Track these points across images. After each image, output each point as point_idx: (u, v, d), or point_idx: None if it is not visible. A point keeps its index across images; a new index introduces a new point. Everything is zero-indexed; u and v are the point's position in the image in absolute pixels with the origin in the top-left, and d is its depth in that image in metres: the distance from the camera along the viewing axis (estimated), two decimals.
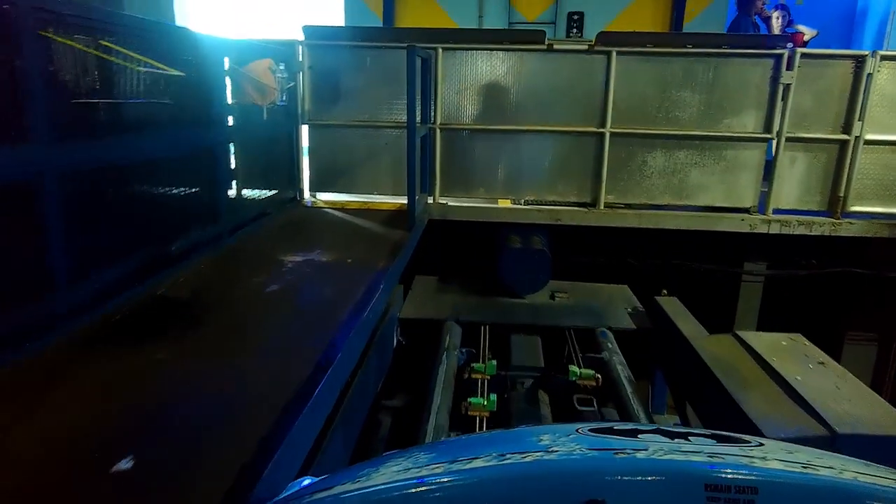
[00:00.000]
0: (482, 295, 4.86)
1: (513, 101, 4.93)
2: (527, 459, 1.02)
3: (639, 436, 1.10)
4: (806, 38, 6.03)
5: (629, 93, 4.83)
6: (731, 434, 1.15)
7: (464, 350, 3.96)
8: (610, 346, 3.98)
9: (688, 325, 3.88)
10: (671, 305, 4.40)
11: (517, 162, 5.03)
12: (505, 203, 5.13)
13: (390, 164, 5.03)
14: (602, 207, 4.99)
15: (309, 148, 5.12)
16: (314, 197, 5.19)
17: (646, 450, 1.02)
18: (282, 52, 4.75)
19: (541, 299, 4.82)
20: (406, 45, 3.89)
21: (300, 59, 4.89)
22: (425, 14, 6.42)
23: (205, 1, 8.44)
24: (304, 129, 5.10)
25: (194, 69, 3.07)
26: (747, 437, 1.12)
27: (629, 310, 4.68)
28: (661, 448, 1.02)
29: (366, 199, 5.16)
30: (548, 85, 4.88)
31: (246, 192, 4.40)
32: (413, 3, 6.52)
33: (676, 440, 1.07)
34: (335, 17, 7.04)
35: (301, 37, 4.87)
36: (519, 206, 5.07)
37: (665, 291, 4.64)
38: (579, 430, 1.15)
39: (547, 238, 5.09)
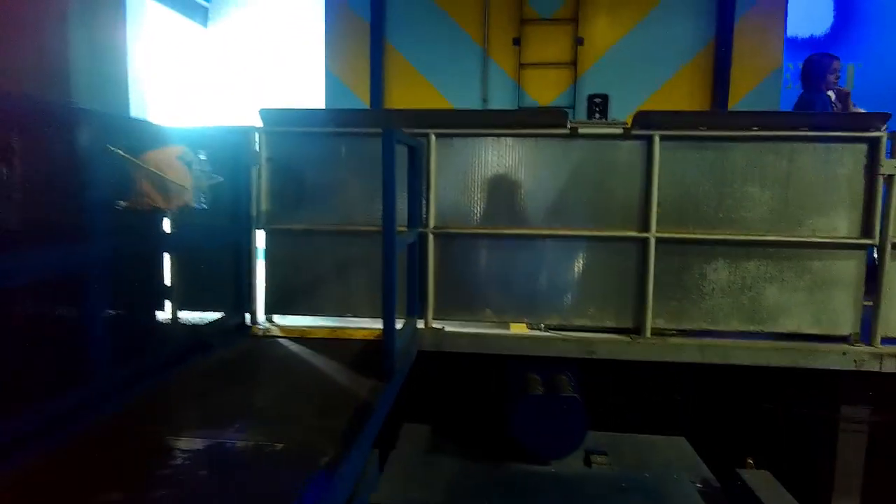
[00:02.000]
0: (491, 460, 3.53)
1: (527, 198, 3.83)
2: None
3: None
4: None
5: (678, 188, 3.73)
6: None
7: None
8: None
9: None
10: (764, 486, 3.05)
11: (534, 276, 3.86)
12: (519, 328, 3.91)
13: (368, 278, 3.87)
14: (649, 335, 3.74)
15: (266, 259, 3.99)
16: (270, 322, 3.99)
17: None
18: (232, 141, 3.75)
19: (573, 467, 3.48)
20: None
21: (257, 149, 3.87)
22: (420, 99, 5.52)
23: (168, 91, 7.68)
24: (261, 236, 4.01)
25: (39, 158, 1.99)
26: None
27: (698, 484, 3.32)
28: None
29: (338, 324, 3.96)
30: (572, 178, 3.79)
31: (162, 326, 3.26)
32: (406, 86, 5.63)
33: None
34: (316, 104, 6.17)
35: (258, 122, 3.88)
36: (538, 333, 3.83)
37: (751, 462, 3.30)
38: None
39: (577, 375, 3.82)
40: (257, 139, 3.87)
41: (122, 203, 2.36)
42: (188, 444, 2.22)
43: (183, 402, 2.68)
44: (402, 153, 3.58)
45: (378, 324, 3.49)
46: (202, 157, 2.66)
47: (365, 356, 3.40)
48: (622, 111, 5.30)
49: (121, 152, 2.29)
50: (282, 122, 3.86)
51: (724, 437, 4.02)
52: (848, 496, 4.00)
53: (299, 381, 3.05)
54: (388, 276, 2.89)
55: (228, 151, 3.74)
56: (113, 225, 2.41)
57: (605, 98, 5.13)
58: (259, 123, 3.88)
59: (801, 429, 3.96)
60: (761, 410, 4.01)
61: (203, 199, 2.66)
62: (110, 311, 2.69)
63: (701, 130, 3.66)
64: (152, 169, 2.35)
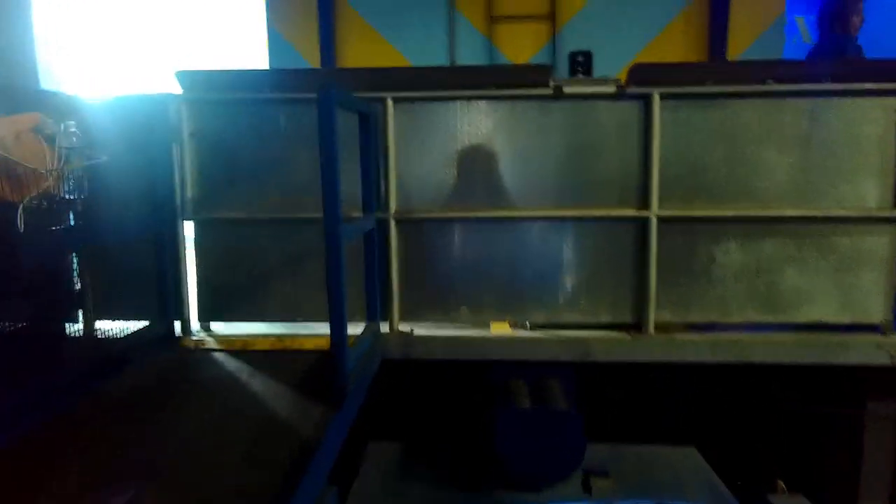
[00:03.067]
0: (472, 487, 2.98)
1: (505, 173, 3.23)
2: None
3: None
4: None
5: (682, 156, 3.16)
6: None
7: None
8: None
9: None
10: None
11: (517, 266, 3.28)
12: (501, 328, 3.33)
13: (321, 275, 3.20)
14: (652, 331, 3.20)
15: (196, 256, 3.34)
16: (206, 331, 3.35)
17: None
18: (143, 112, 3.07)
19: (569, 494, 2.94)
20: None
21: (178, 121, 3.19)
22: (378, 61, 4.82)
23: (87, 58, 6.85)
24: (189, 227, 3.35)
25: None
26: None
27: None
28: None
29: (287, 330, 3.34)
30: (558, 148, 3.20)
31: (58, 344, 2.61)
32: (360, 46, 4.91)
33: None
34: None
35: (176, 88, 3.19)
36: (523, 334, 3.27)
37: (783, 485, 2.80)
38: None
39: (569, 382, 3.27)
40: (177, 109, 3.19)
41: None
42: None
43: (63, 455, 2.04)
44: (352, 122, 2.95)
45: None
46: (72, 128, 1.99)
47: (315, 372, 2.80)
48: (606, 71, 4.69)
49: None
50: (206, 87, 3.18)
51: (737, 444, 3.53)
52: (874, 501, 3.55)
53: (230, 411, 2.43)
54: (333, 276, 2.28)
55: (140, 126, 3.07)
56: None
57: (588, 56, 4.52)
58: (178, 90, 3.19)
59: (823, 428, 3.48)
60: (777, 410, 3.52)
61: (75, 187, 1.99)
62: None
63: (708, 86, 3.08)
64: None
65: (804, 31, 6.25)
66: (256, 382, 2.68)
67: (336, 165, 2.23)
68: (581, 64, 4.45)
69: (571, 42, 4.85)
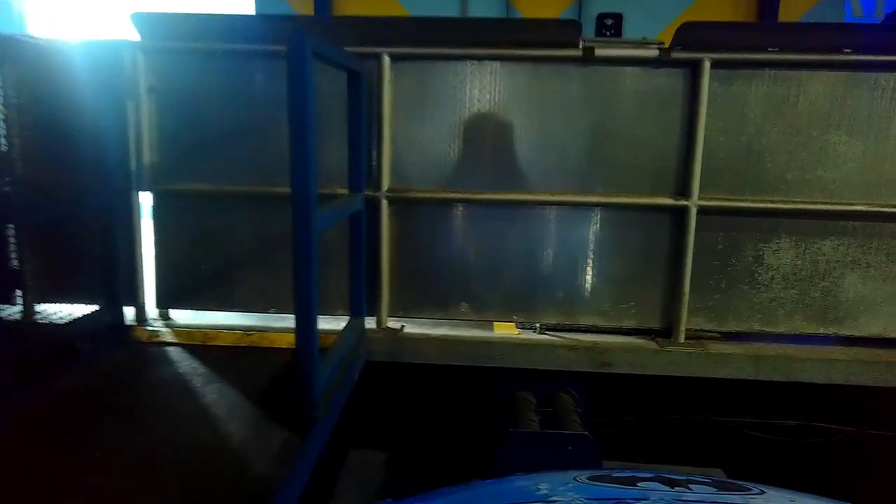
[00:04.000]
0: None
1: (520, 150, 2.73)
2: None
3: (638, 484, 1.07)
4: None
5: (733, 136, 2.66)
6: (732, 481, 1.11)
7: None
8: None
9: None
10: None
11: (528, 258, 2.80)
12: (506, 330, 2.87)
13: None
14: (683, 340, 2.74)
15: (155, 232, 2.87)
16: (164, 319, 2.90)
17: (646, 499, 0.97)
18: (93, 61, 2.56)
19: None
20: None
21: (133, 73, 2.68)
22: (378, 12, 4.28)
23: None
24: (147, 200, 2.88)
25: None
26: (748, 485, 1.07)
27: None
28: (661, 498, 0.98)
29: (257, 322, 2.88)
30: (583, 122, 2.70)
31: None
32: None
33: (677, 489, 1.04)
34: None
35: (133, 34, 2.68)
36: (532, 337, 2.81)
37: None
38: (577, 479, 1.11)
39: (583, 390, 2.83)
40: (133, 59, 2.68)
41: None
42: None
43: None
44: (341, 81, 2.45)
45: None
46: None
47: (284, 378, 2.36)
48: (636, 37, 4.14)
49: None
50: (168, 34, 2.66)
51: (767, 467, 3.10)
52: None
53: (172, 432, 1.98)
54: (302, 273, 1.81)
55: (88, 77, 2.57)
56: None
57: (618, 18, 3.95)
58: (136, 36, 2.68)
59: (878, 457, 3.04)
60: (824, 434, 3.07)
61: None
62: None
63: (770, 53, 2.55)
64: None
65: (856, 4, 5.63)
66: (212, 391, 2.24)
67: (309, 134, 1.76)
68: (610, 28, 3.90)
69: (600, 3, 4.27)
